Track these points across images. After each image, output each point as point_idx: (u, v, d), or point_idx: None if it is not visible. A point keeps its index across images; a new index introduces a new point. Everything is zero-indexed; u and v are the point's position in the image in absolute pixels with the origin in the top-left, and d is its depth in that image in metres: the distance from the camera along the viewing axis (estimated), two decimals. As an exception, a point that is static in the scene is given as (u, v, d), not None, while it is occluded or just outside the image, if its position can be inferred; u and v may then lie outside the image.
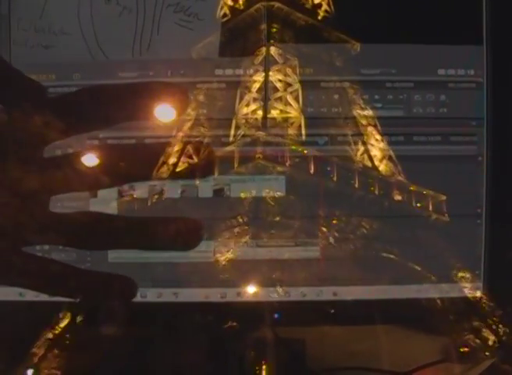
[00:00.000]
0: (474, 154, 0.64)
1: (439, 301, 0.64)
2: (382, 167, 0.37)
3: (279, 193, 0.33)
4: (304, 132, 0.29)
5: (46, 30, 0.63)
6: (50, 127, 0.33)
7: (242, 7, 0.34)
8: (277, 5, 0.33)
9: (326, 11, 0.34)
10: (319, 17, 0.34)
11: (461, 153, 0.63)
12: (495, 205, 0.63)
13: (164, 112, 0.31)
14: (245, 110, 0.30)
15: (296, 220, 0.49)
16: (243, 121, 0.30)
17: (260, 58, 0.31)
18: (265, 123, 0.29)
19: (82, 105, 0.34)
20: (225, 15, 0.35)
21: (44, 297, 0.63)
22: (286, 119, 0.30)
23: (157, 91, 0.33)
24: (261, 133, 0.29)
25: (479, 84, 0.63)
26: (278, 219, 0.36)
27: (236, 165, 0.28)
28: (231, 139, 0.30)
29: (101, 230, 0.33)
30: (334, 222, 0.49)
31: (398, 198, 0.57)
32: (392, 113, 0.63)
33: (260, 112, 0.30)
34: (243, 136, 0.30)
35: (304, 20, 0.34)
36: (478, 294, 0.65)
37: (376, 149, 0.41)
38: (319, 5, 0.34)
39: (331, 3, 0.34)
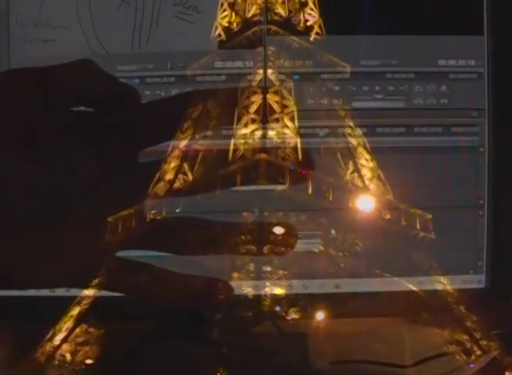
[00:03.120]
0: (475, 145, 0.63)
1: (440, 294, 0.64)
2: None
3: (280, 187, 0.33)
4: (300, 152, 0.29)
5: (45, 24, 0.63)
6: (144, 132, 0.33)
7: (237, 29, 0.35)
8: (274, 28, 0.34)
9: (317, 33, 0.35)
10: (311, 39, 0.35)
11: (462, 144, 0.63)
12: (497, 196, 0.63)
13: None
14: (243, 131, 0.31)
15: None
16: (242, 141, 0.30)
17: (257, 79, 0.32)
18: (264, 143, 0.30)
19: (176, 110, 0.33)
20: (219, 35, 0.35)
21: (45, 292, 0.63)
22: (283, 140, 0.30)
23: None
24: (263, 155, 0.29)
25: (480, 75, 0.63)
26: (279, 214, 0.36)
27: (238, 184, 0.29)
28: (230, 159, 0.30)
29: (199, 236, 0.33)
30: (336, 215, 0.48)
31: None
32: (392, 105, 0.63)
33: (258, 133, 0.30)
34: (243, 156, 0.30)
35: (298, 43, 0.34)
36: (481, 286, 0.64)
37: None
38: (311, 28, 0.35)
39: (322, 26, 0.35)
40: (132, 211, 0.32)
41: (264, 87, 0.32)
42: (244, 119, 0.31)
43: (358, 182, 0.32)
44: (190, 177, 0.32)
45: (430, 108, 0.63)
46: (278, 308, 0.55)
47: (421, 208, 0.62)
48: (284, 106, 0.31)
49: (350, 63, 0.62)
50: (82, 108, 0.35)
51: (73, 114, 0.35)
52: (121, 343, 0.57)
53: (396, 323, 0.65)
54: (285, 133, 0.31)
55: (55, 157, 0.33)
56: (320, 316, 0.62)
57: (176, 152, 0.33)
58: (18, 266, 0.32)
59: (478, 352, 0.61)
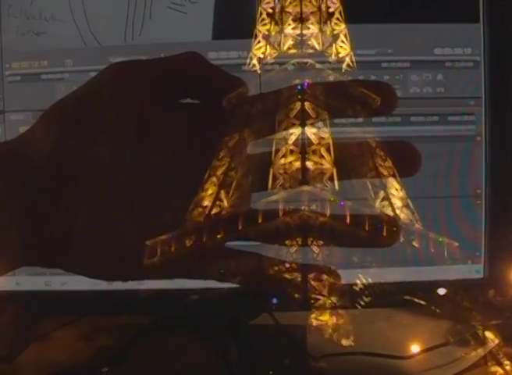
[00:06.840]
0: (472, 134, 0.63)
1: (439, 284, 0.63)
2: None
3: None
4: (336, 182, 0.30)
5: (37, 16, 0.62)
6: (253, 124, 0.33)
7: (272, 60, 0.35)
8: (310, 62, 0.34)
9: (348, 65, 0.35)
10: (343, 71, 0.35)
11: (459, 133, 0.63)
12: (495, 185, 0.63)
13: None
14: (282, 161, 0.31)
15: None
16: (282, 171, 0.31)
17: (294, 111, 0.32)
18: (304, 174, 0.30)
19: (279, 104, 0.33)
20: (254, 66, 0.36)
21: (40, 287, 0.62)
22: (320, 171, 0.31)
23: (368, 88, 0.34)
24: (305, 187, 0.30)
25: (477, 63, 0.62)
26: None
27: (280, 214, 0.29)
28: (269, 189, 0.31)
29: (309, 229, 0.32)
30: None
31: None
32: (388, 94, 0.62)
33: (297, 164, 0.31)
34: (282, 186, 0.31)
35: (332, 76, 0.35)
36: (479, 276, 0.64)
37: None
38: (343, 60, 0.35)
39: (353, 58, 0.35)
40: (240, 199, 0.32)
41: (303, 121, 0.32)
42: (282, 150, 0.32)
43: (388, 211, 0.32)
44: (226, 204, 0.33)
45: (426, 98, 0.63)
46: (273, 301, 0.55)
47: (418, 198, 0.62)
48: (321, 138, 0.32)
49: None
50: (189, 100, 0.36)
51: (181, 106, 0.36)
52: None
53: (393, 314, 0.65)
54: (322, 164, 0.31)
55: (163, 149, 0.33)
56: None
57: (214, 179, 0.34)
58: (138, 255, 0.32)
59: (477, 343, 0.61)
